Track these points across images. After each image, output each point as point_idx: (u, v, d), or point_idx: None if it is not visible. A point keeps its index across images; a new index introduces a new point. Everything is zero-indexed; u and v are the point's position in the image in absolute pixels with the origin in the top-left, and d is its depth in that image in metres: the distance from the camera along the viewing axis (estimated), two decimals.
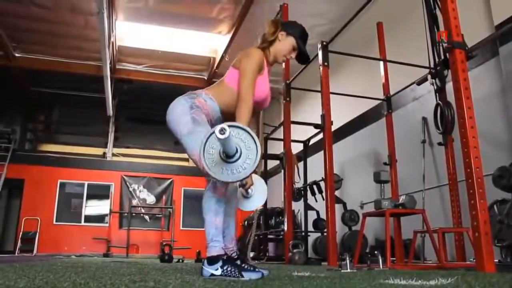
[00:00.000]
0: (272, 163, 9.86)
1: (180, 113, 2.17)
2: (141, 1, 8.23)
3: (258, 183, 2.45)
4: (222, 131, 1.55)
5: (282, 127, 6.11)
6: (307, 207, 7.23)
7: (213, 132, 1.62)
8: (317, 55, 4.82)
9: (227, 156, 1.71)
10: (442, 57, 4.20)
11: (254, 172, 1.89)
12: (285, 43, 2.38)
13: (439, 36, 4.10)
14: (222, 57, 9.93)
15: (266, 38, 2.39)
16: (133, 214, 11.89)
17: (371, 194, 6.29)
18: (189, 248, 10.14)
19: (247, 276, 1.95)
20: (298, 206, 7.67)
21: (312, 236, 7.43)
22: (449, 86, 3.28)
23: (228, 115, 2.27)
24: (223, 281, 1.81)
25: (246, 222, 9.48)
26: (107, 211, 11.82)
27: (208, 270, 2.00)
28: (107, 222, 11.77)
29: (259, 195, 2.45)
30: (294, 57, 2.43)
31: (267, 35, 2.38)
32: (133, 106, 12.88)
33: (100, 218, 11.87)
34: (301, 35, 2.41)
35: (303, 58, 2.47)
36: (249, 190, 2.39)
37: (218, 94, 2.28)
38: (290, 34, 2.37)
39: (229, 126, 1.60)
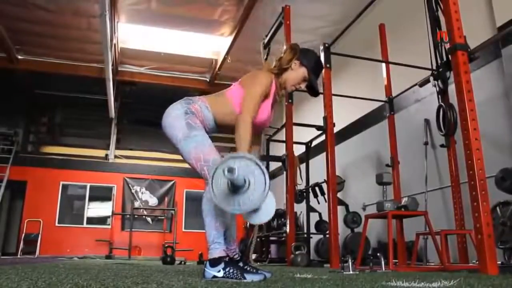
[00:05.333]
0: (274, 165, 9.86)
1: (175, 118, 2.17)
2: (144, 3, 8.24)
3: (268, 198, 2.41)
4: (231, 171, 1.56)
5: (284, 129, 6.10)
6: (309, 209, 7.22)
7: (223, 163, 1.64)
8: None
9: (235, 188, 1.71)
10: (445, 59, 4.20)
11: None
12: (296, 73, 2.32)
13: (439, 36, 4.12)
14: (224, 59, 9.95)
15: (281, 64, 2.32)
16: (135, 216, 11.90)
17: (374, 196, 6.28)
18: (191, 250, 10.14)
19: (249, 278, 1.95)
20: (300, 208, 7.65)
21: (314, 238, 7.41)
22: (452, 88, 3.28)
23: (222, 127, 2.28)
24: (225, 283, 1.81)
25: (248, 224, 9.47)
26: (109, 213, 11.82)
27: (210, 272, 2.00)
28: (109, 224, 11.78)
29: (268, 209, 2.41)
30: (303, 87, 2.38)
31: (282, 61, 2.32)
32: (136, 108, 12.89)
33: (102, 220, 11.87)
34: (314, 67, 2.35)
35: (313, 91, 2.40)
36: None
37: (215, 104, 2.26)
38: (303, 65, 2.31)
39: (237, 157, 1.63)
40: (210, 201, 2.07)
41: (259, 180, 1.73)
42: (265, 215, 2.36)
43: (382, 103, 5.92)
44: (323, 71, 4.81)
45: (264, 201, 2.32)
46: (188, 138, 2.13)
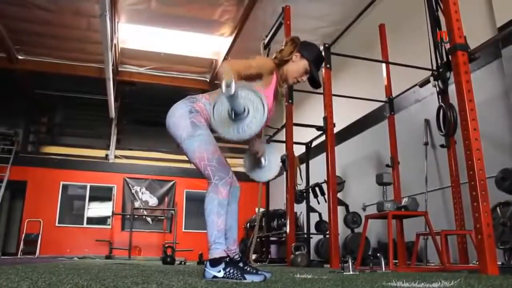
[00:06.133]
0: None
1: (179, 117, 2.17)
2: (144, 3, 8.24)
3: (272, 154, 2.49)
4: (228, 87, 1.61)
5: (284, 129, 6.10)
6: (309, 209, 7.21)
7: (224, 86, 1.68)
8: None
9: (235, 115, 1.77)
10: (445, 59, 4.20)
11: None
12: (297, 65, 2.32)
13: (439, 36, 4.12)
14: (225, 59, 9.94)
15: (282, 56, 2.32)
16: (136, 216, 11.90)
17: (374, 196, 6.28)
18: (191, 250, 10.14)
19: (250, 278, 1.95)
20: (300, 208, 7.65)
21: (315, 238, 7.41)
22: (452, 88, 3.28)
23: None
24: (226, 283, 1.81)
25: (248, 224, 9.47)
26: (110, 213, 11.82)
27: (211, 272, 2.00)
28: (109, 224, 11.77)
29: (272, 166, 2.48)
30: (305, 80, 2.37)
31: (283, 53, 2.32)
32: (136, 108, 12.89)
33: (102, 220, 11.87)
34: (315, 59, 2.34)
35: (314, 83, 2.40)
36: (262, 160, 2.43)
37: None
38: (304, 57, 2.31)
39: (240, 85, 1.67)
40: (213, 201, 2.08)
41: (258, 109, 1.77)
42: (269, 173, 2.47)
43: (382, 103, 5.92)
44: (323, 71, 4.82)
45: (269, 160, 2.46)
46: (192, 137, 2.13)
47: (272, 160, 2.49)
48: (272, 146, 2.58)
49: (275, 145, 2.61)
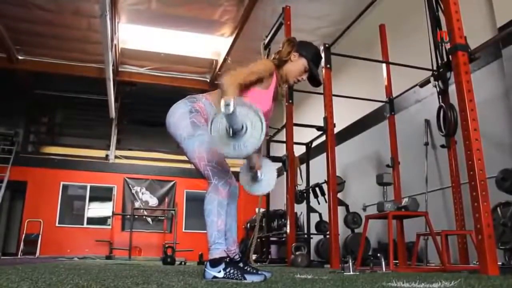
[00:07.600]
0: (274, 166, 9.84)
1: (179, 117, 2.17)
2: (144, 3, 8.24)
3: (268, 167, 2.49)
4: (227, 105, 1.61)
5: (284, 129, 6.10)
6: (310, 209, 7.21)
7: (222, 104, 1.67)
8: None
9: (233, 132, 1.76)
10: (445, 59, 4.20)
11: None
12: (296, 64, 2.33)
13: (440, 36, 4.12)
14: (225, 60, 9.95)
15: (281, 57, 2.34)
16: (136, 217, 11.90)
17: (374, 196, 6.27)
18: (192, 251, 10.13)
19: (250, 278, 1.95)
20: (300, 209, 7.65)
21: (315, 239, 7.41)
22: (452, 88, 3.28)
23: None
24: (226, 283, 1.81)
25: (248, 225, 9.47)
26: (110, 214, 11.82)
27: (211, 272, 2.00)
28: (109, 225, 11.78)
29: (268, 180, 2.48)
30: (305, 79, 2.39)
31: (282, 54, 2.34)
32: (136, 108, 12.89)
33: (102, 221, 11.87)
34: (313, 57, 2.36)
35: (315, 81, 2.41)
36: (258, 174, 2.42)
37: (219, 101, 2.26)
38: (303, 56, 2.33)
39: (238, 102, 1.67)
40: (213, 201, 2.08)
41: (256, 127, 1.76)
42: (266, 187, 2.46)
43: (383, 103, 5.92)
44: (324, 71, 4.82)
45: (266, 174, 2.44)
46: (192, 137, 2.13)
47: (269, 175, 2.48)
48: (269, 161, 2.57)
49: (273, 164, 2.58)
